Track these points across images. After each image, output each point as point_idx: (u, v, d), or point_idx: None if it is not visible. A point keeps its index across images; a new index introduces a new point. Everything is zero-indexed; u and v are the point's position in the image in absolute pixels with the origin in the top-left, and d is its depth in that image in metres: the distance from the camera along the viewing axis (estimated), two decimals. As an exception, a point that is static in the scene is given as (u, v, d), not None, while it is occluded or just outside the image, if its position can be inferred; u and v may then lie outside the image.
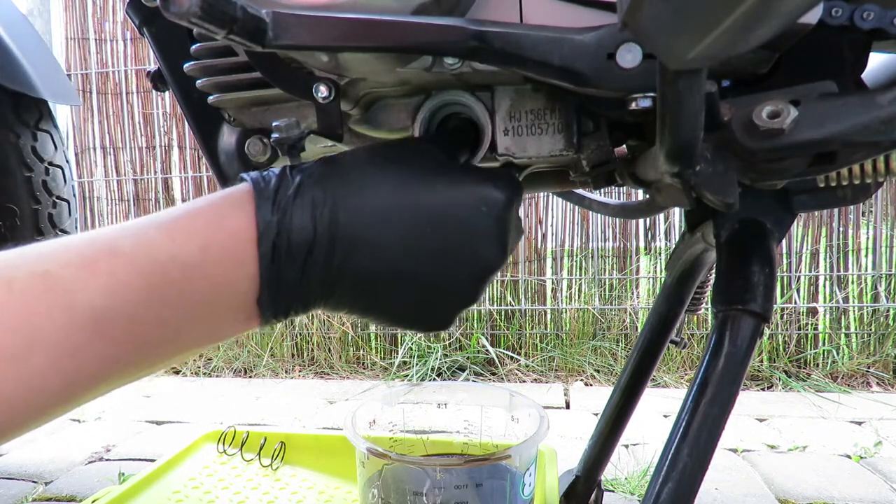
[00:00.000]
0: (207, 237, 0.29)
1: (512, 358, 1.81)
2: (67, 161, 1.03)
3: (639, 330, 1.56)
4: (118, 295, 0.27)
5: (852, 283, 1.73)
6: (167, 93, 0.48)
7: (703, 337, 1.74)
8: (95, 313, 0.26)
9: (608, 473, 1.07)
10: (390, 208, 0.32)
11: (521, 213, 1.86)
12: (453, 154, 0.39)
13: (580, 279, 1.86)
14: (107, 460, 1.22)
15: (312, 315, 1.90)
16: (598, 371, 1.74)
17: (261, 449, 0.79)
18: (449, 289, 0.34)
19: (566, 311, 1.85)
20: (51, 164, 0.98)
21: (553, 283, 1.87)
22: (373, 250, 0.31)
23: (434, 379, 1.74)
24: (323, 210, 0.31)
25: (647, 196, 0.56)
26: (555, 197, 1.81)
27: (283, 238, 0.30)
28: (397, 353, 1.82)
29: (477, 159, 0.42)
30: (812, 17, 0.33)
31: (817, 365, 1.70)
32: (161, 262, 0.28)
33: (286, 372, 1.89)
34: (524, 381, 1.74)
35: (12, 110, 0.94)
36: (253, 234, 0.30)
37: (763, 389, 1.64)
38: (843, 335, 1.72)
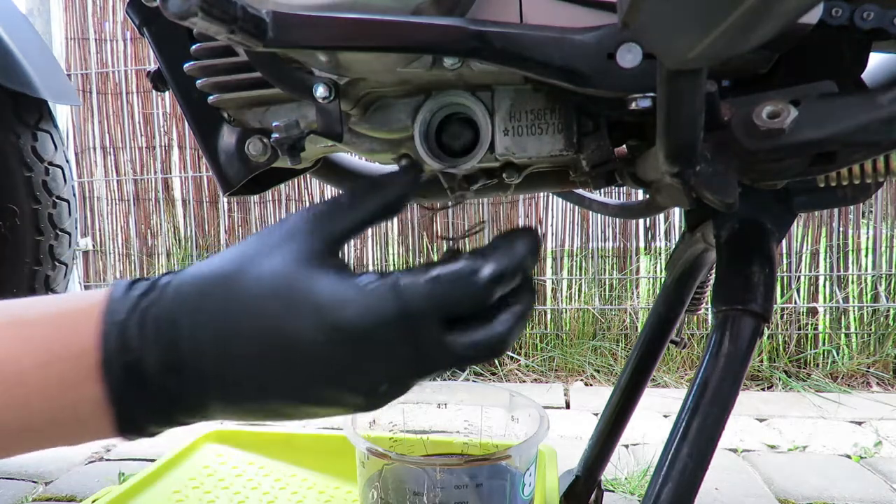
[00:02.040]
0: (48, 353, 0.28)
1: (512, 358, 1.81)
2: (67, 161, 1.03)
3: (639, 330, 1.56)
4: None
5: (852, 283, 1.73)
6: (167, 93, 0.48)
7: (703, 337, 1.74)
8: None
9: (608, 473, 1.07)
10: (243, 337, 0.28)
11: (521, 213, 1.87)
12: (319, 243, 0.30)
13: (580, 279, 1.86)
14: (107, 460, 1.22)
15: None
16: (598, 371, 1.74)
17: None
18: (318, 412, 0.30)
19: (566, 311, 1.85)
20: (51, 164, 0.98)
21: (553, 283, 1.87)
22: (232, 379, 0.28)
23: (434, 379, 1.74)
24: (176, 338, 0.28)
25: (647, 196, 0.56)
26: (555, 197, 1.81)
27: (131, 364, 0.28)
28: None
29: (476, 160, 0.42)
30: (812, 17, 0.33)
31: (817, 365, 1.70)
32: (3, 362, 0.27)
33: (286, 372, 1.88)
34: (524, 381, 1.74)
35: (12, 110, 0.94)
36: (96, 356, 0.28)
37: (763, 389, 1.64)
38: (843, 335, 1.72)
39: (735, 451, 1.21)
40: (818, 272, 1.74)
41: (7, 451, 0.29)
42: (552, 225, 1.87)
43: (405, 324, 0.28)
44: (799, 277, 1.73)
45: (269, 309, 0.28)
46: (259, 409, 0.30)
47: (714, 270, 0.52)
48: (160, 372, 0.28)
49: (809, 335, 1.73)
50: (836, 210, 1.69)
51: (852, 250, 1.72)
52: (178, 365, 0.28)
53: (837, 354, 1.69)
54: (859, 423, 1.35)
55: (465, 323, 0.29)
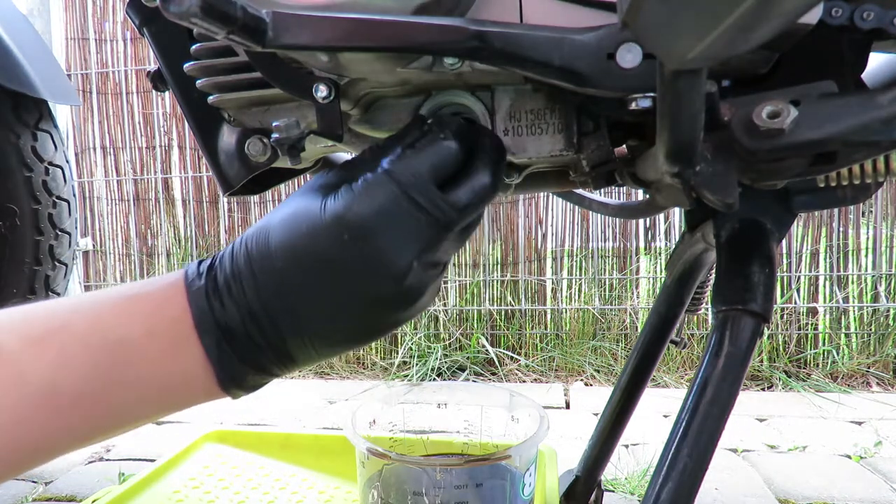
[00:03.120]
0: (152, 323, 0.32)
1: (512, 358, 1.81)
2: (67, 161, 1.03)
3: (639, 330, 1.56)
4: (66, 371, 0.29)
5: (852, 283, 1.73)
6: (167, 93, 0.48)
7: (703, 337, 1.74)
8: (43, 387, 0.29)
9: (608, 473, 1.07)
10: (286, 270, 0.32)
11: (521, 212, 1.87)
12: (334, 180, 0.34)
13: (580, 279, 1.86)
14: (107, 460, 1.22)
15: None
16: (598, 371, 1.74)
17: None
18: (375, 314, 0.34)
19: (566, 311, 1.85)
20: (51, 164, 0.98)
21: (553, 283, 1.87)
22: (292, 309, 0.32)
23: (434, 379, 1.74)
24: (241, 289, 0.32)
25: (647, 196, 0.56)
26: (555, 197, 1.81)
27: (220, 322, 0.32)
28: (397, 353, 1.82)
29: None
30: (812, 17, 0.33)
31: (817, 365, 1.70)
32: (109, 341, 0.30)
33: (286, 372, 1.88)
34: (524, 381, 1.74)
35: (12, 110, 0.94)
36: (190, 321, 0.32)
37: (763, 389, 1.64)
38: (843, 335, 1.72)
39: (735, 451, 1.21)
40: (818, 272, 1.74)
41: (128, 423, 0.32)
42: (552, 225, 1.87)
43: (408, 196, 0.32)
44: (799, 277, 1.73)
45: (298, 238, 0.32)
46: (329, 333, 0.33)
47: (714, 270, 0.52)
48: (241, 322, 0.32)
49: (809, 335, 1.73)
50: (836, 210, 1.69)
51: (852, 250, 1.72)
52: (252, 310, 0.32)
53: (837, 354, 1.69)
54: (859, 423, 1.35)
55: (453, 181, 0.34)
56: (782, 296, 1.73)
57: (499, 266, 1.89)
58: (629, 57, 0.33)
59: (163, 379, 0.32)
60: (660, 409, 1.44)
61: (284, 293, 0.32)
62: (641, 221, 1.83)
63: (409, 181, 0.32)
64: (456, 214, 0.33)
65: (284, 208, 0.34)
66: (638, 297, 1.83)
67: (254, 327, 0.32)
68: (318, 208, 0.32)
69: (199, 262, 0.34)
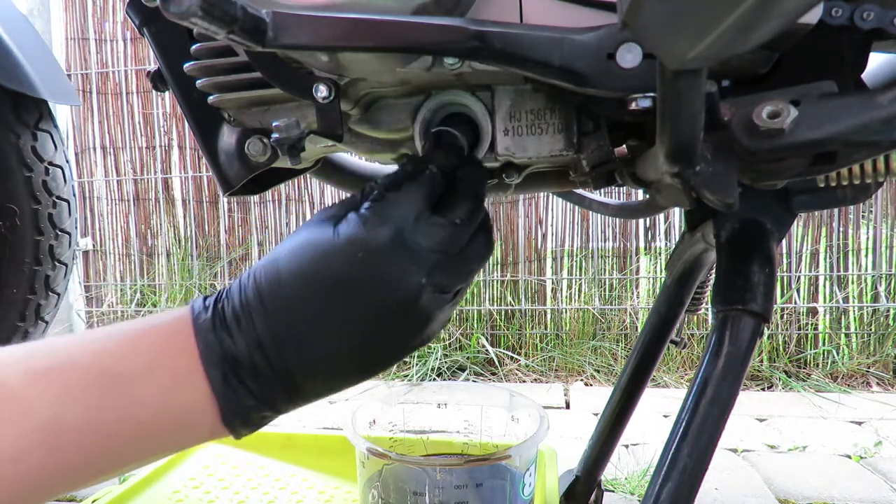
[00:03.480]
0: (156, 357, 0.32)
1: (512, 358, 1.81)
2: (67, 161, 1.03)
3: (639, 330, 1.56)
4: (68, 406, 0.29)
5: (852, 283, 1.73)
6: (167, 93, 0.48)
7: (703, 337, 1.74)
8: (45, 423, 0.28)
9: (608, 473, 1.07)
10: (296, 297, 0.33)
11: (521, 212, 1.87)
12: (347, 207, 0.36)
13: (580, 279, 1.86)
14: (107, 460, 1.22)
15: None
16: (598, 371, 1.74)
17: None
18: (385, 340, 0.34)
19: (566, 311, 1.85)
20: (51, 164, 0.98)
21: (553, 283, 1.87)
22: (301, 337, 0.32)
23: (434, 379, 1.74)
24: (250, 320, 0.32)
25: (647, 196, 0.56)
26: (555, 197, 1.81)
27: (227, 354, 0.32)
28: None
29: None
30: (812, 17, 0.33)
31: (817, 365, 1.70)
32: (112, 377, 0.30)
33: (286, 372, 1.88)
34: (524, 381, 1.74)
35: (12, 110, 0.94)
36: (196, 354, 0.32)
37: (763, 389, 1.64)
38: (843, 335, 1.72)
39: (735, 451, 1.21)
40: (818, 272, 1.74)
41: (129, 463, 0.32)
42: (552, 225, 1.87)
43: (406, 222, 0.33)
44: (799, 277, 1.73)
45: (310, 263, 0.33)
46: (337, 362, 0.33)
47: (714, 270, 0.52)
48: (248, 353, 0.32)
49: (809, 335, 1.73)
50: (836, 210, 1.69)
51: (852, 250, 1.72)
52: (260, 341, 0.32)
53: (837, 354, 1.69)
54: (859, 423, 1.35)
55: (443, 206, 0.35)
56: (782, 296, 1.73)
57: (499, 266, 1.88)
58: (629, 57, 0.33)
59: (166, 415, 0.31)
60: (660, 409, 1.44)
61: (294, 321, 0.32)
62: (641, 221, 1.83)
63: (408, 208, 0.34)
64: (454, 233, 0.34)
65: (291, 241, 0.34)
66: (638, 297, 1.83)
67: (261, 358, 0.32)
68: (330, 233, 0.33)
69: (206, 298, 0.34)
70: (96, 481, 0.31)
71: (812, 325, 1.73)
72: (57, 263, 1.01)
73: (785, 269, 1.74)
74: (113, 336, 0.32)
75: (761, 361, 1.70)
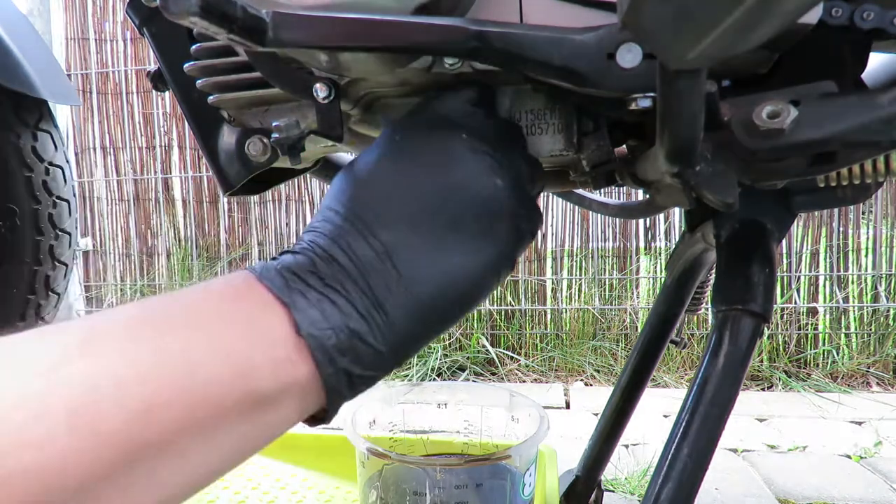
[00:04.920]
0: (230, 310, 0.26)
1: (512, 358, 1.81)
2: (67, 161, 1.03)
3: (639, 330, 1.56)
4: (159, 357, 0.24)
5: (852, 283, 1.73)
6: (167, 93, 0.48)
7: (703, 337, 1.74)
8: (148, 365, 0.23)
9: (608, 473, 1.07)
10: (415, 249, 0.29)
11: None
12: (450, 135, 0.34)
13: (580, 279, 1.86)
14: (107, 460, 1.22)
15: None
16: (598, 371, 1.74)
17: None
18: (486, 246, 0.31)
19: (566, 311, 1.85)
20: (51, 164, 0.98)
21: (553, 283, 1.87)
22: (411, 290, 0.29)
23: (434, 379, 1.74)
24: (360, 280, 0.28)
25: (647, 196, 0.56)
26: (555, 197, 1.81)
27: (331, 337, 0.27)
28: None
29: None
30: (812, 17, 0.33)
31: (817, 365, 1.70)
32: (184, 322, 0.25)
33: (286, 372, 1.88)
34: (524, 381, 1.74)
35: (12, 110, 0.94)
36: (295, 339, 0.26)
37: (763, 389, 1.64)
38: (843, 335, 1.72)
39: (735, 451, 1.21)
40: (818, 272, 1.74)
41: (244, 452, 0.27)
42: (552, 225, 1.87)
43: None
44: (799, 277, 1.73)
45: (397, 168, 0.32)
46: (435, 283, 0.29)
47: (714, 270, 0.52)
48: (321, 271, 0.28)
49: (809, 335, 1.73)
50: (836, 210, 1.69)
51: (852, 250, 1.72)
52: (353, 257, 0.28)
53: (837, 354, 1.69)
54: (859, 423, 1.35)
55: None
56: (782, 296, 1.73)
57: (499, 266, 1.88)
58: (629, 57, 0.33)
59: (270, 403, 0.26)
60: (660, 409, 1.44)
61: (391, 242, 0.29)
62: (641, 221, 1.83)
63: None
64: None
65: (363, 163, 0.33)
66: (638, 297, 1.83)
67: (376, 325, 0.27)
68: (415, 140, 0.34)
69: (263, 266, 0.29)
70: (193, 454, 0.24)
71: (812, 325, 1.73)
72: (57, 263, 1.01)
73: (785, 269, 1.74)
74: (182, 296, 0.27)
75: (761, 361, 1.70)
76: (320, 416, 0.30)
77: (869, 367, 1.66)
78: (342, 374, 0.27)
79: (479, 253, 0.31)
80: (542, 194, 1.86)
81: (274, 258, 0.30)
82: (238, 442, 0.26)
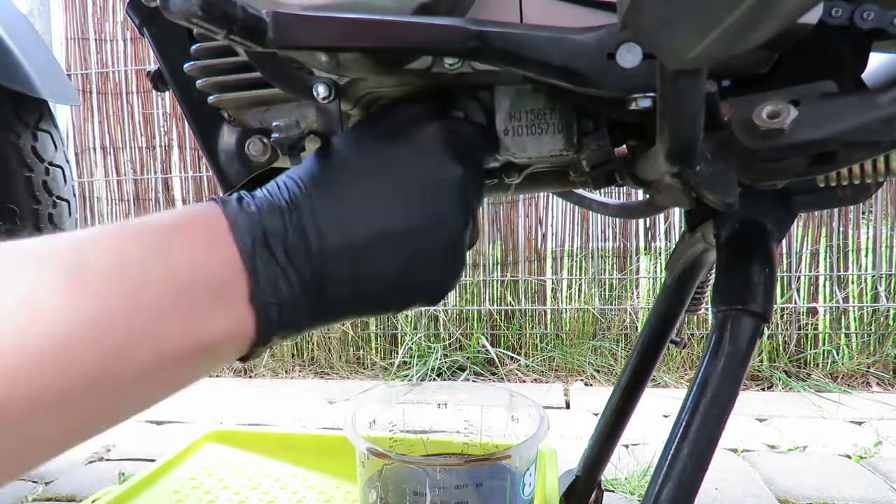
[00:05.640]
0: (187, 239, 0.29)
1: (512, 358, 1.81)
2: (67, 161, 1.03)
3: (639, 330, 1.56)
4: (101, 254, 0.26)
5: (852, 283, 1.73)
6: (167, 93, 0.48)
7: (703, 337, 1.74)
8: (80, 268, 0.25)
9: (608, 473, 1.07)
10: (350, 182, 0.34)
11: (521, 212, 1.87)
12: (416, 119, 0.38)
13: (580, 279, 1.86)
14: (107, 460, 1.22)
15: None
16: (598, 371, 1.74)
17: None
18: (428, 253, 0.34)
19: (566, 311, 1.85)
20: (51, 164, 0.98)
21: (553, 283, 1.87)
22: (344, 230, 0.32)
23: (434, 379, 1.74)
24: (291, 208, 0.32)
25: (647, 196, 0.56)
26: (555, 197, 1.81)
27: (259, 233, 0.30)
28: (397, 353, 1.82)
29: None
30: (812, 17, 0.33)
31: (817, 365, 1.70)
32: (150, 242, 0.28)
33: (286, 372, 1.89)
34: (524, 381, 1.74)
35: (12, 110, 0.94)
36: (227, 228, 0.30)
37: (763, 389, 1.64)
38: (843, 335, 1.72)
39: (735, 451, 1.21)
40: (818, 272, 1.74)
41: (162, 334, 0.27)
42: (552, 225, 1.87)
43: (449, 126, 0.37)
44: (799, 277, 1.73)
45: (348, 160, 0.35)
46: (376, 261, 0.33)
47: (714, 270, 0.52)
48: (284, 230, 0.31)
49: (809, 335, 1.73)
50: (836, 210, 1.69)
51: (852, 250, 1.72)
52: (301, 223, 0.31)
53: (837, 354, 1.69)
54: (859, 423, 1.35)
55: None
56: (782, 296, 1.73)
57: (499, 266, 1.89)
58: (629, 57, 0.33)
59: (191, 284, 0.28)
60: (660, 409, 1.44)
61: (340, 206, 0.32)
62: (641, 221, 1.83)
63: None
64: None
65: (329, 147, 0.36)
66: (638, 297, 1.83)
67: (297, 239, 0.31)
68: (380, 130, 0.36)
69: (227, 196, 0.33)
70: (133, 353, 0.26)
71: (812, 325, 1.73)
72: (57, 263, 1.01)
73: (785, 269, 1.74)
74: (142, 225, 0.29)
75: (761, 361, 1.70)
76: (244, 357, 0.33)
77: (869, 367, 1.66)
78: (276, 336, 0.31)
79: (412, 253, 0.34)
80: (542, 194, 1.86)
81: (250, 194, 0.33)
82: (176, 379, 0.29)
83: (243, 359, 0.32)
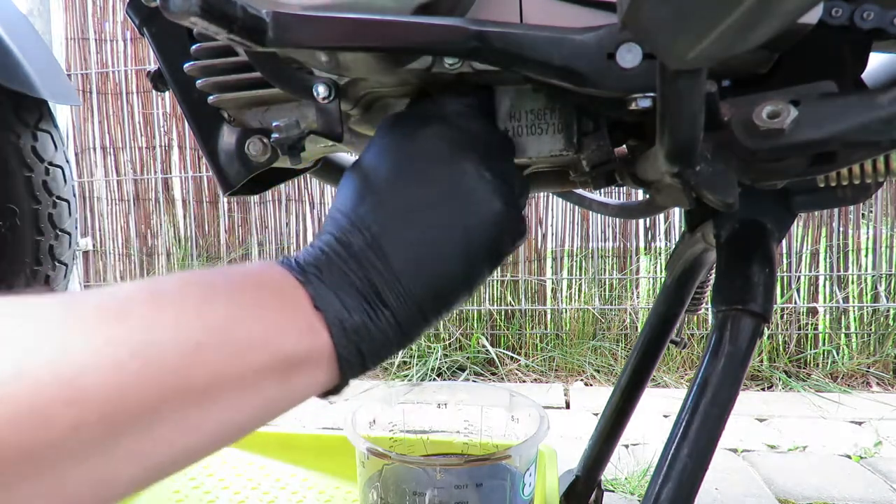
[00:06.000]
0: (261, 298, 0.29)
1: (512, 358, 1.81)
2: (67, 161, 1.03)
3: (639, 330, 1.56)
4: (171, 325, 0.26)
5: (852, 283, 1.73)
6: (167, 93, 0.48)
7: (703, 337, 1.74)
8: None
9: (608, 473, 1.07)
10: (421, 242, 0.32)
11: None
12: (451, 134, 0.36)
13: (580, 279, 1.86)
14: (107, 460, 1.22)
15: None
16: (598, 371, 1.74)
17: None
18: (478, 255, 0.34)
19: (566, 311, 1.85)
20: (51, 164, 0.98)
21: (553, 283, 1.86)
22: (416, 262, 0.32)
23: (434, 379, 1.74)
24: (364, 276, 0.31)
25: (647, 196, 0.56)
26: (555, 197, 1.81)
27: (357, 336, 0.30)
28: (397, 353, 1.82)
29: None
30: (812, 17, 0.33)
31: (817, 365, 1.70)
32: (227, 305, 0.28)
33: (286, 372, 1.88)
34: (524, 381, 1.74)
35: (12, 110, 0.94)
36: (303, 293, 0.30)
37: (763, 389, 1.64)
38: (843, 335, 1.72)
39: (735, 451, 1.21)
40: (818, 272, 1.74)
41: (227, 409, 0.27)
42: (552, 225, 1.87)
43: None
44: (799, 277, 1.73)
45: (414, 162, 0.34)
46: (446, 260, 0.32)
47: (714, 270, 0.52)
48: (363, 276, 0.31)
49: (809, 335, 1.73)
50: (836, 210, 1.69)
51: (852, 250, 1.72)
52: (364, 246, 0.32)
53: (837, 354, 1.69)
54: (859, 423, 1.35)
55: None
56: (782, 296, 1.73)
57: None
58: (629, 57, 0.33)
59: (271, 351, 0.28)
60: (660, 409, 1.44)
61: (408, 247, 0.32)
62: (641, 221, 1.83)
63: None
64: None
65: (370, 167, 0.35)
66: (638, 297, 1.83)
67: (362, 267, 0.31)
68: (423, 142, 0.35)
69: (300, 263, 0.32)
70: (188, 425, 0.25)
71: (812, 325, 1.73)
72: (57, 263, 1.01)
73: (785, 269, 1.74)
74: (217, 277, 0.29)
75: (761, 361, 1.70)
76: (333, 390, 0.33)
77: (869, 367, 1.66)
78: (353, 347, 0.30)
79: (468, 260, 0.33)
80: (542, 194, 1.86)
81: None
82: (264, 402, 0.28)
83: (334, 390, 0.33)
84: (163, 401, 0.24)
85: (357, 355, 0.31)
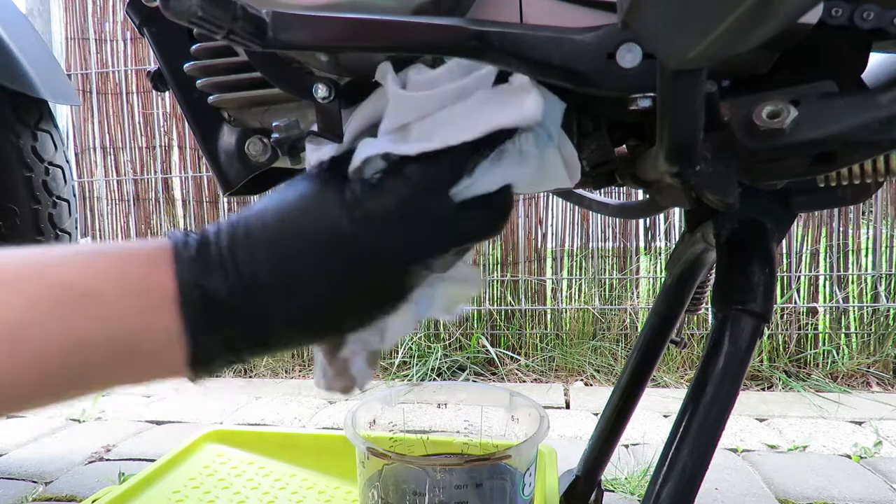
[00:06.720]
0: (128, 285, 0.31)
1: (512, 358, 1.81)
2: (67, 161, 1.03)
3: (639, 330, 1.56)
4: (32, 317, 0.29)
5: (852, 283, 1.73)
6: (167, 93, 0.48)
7: (703, 337, 1.74)
8: (7, 333, 0.28)
9: (608, 473, 1.07)
10: (289, 246, 0.33)
11: (521, 212, 1.87)
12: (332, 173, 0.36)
13: (580, 279, 1.86)
14: (107, 460, 1.22)
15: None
16: (598, 371, 1.74)
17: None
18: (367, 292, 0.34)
19: (566, 311, 1.85)
20: (51, 164, 0.98)
21: (553, 283, 1.87)
22: (286, 286, 0.32)
23: (434, 379, 1.74)
24: (235, 263, 0.32)
25: (647, 196, 0.56)
26: (555, 197, 1.81)
27: (205, 293, 0.31)
28: (397, 353, 1.82)
29: None
30: (812, 17, 0.33)
31: (817, 365, 1.70)
32: (80, 295, 0.30)
33: (286, 372, 1.89)
34: (524, 381, 1.74)
35: (12, 110, 0.94)
36: (172, 289, 0.31)
37: (763, 389, 1.64)
38: (843, 335, 1.72)
39: (735, 451, 1.21)
40: (818, 272, 1.74)
41: (85, 386, 0.31)
42: (552, 225, 1.87)
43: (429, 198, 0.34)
44: (799, 277, 1.73)
45: (302, 221, 0.33)
46: (319, 314, 0.33)
47: (714, 270, 0.52)
48: (228, 295, 0.31)
49: (809, 335, 1.73)
50: (836, 210, 1.69)
51: (852, 250, 1.72)
52: (242, 285, 0.32)
53: (837, 354, 1.69)
54: (859, 423, 1.35)
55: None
56: (782, 296, 1.73)
57: (499, 266, 1.89)
58: (629, 57, 0.33)
59: (131, 340, 0.30)
60: (660, 409, 1.44)
61: (281, 271, 0.32)
62: (641, 221, 1.83)
63: (429, 186, 0.33)
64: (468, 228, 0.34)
65: (292, 192, 0.34)
66: (638, 297, 1.83)
67: (242, 303, 0.32)
68: (334, 194, 0.33)
69: (187, 233, 0.33)
70: (53, 400, 0.30)
71: (812, 325, 1.73)
72: (57, 263, 1.01)
73: (785, 269, 1.74)
74: (89, 256, 0.32)
75: (761, 361, 1.70)
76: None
77: (869, 367, 1.66)
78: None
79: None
80: (542, 194, 1.86)
81: (202, 242, 0.33)
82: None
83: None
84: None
85: (206, 365, 0.32)
